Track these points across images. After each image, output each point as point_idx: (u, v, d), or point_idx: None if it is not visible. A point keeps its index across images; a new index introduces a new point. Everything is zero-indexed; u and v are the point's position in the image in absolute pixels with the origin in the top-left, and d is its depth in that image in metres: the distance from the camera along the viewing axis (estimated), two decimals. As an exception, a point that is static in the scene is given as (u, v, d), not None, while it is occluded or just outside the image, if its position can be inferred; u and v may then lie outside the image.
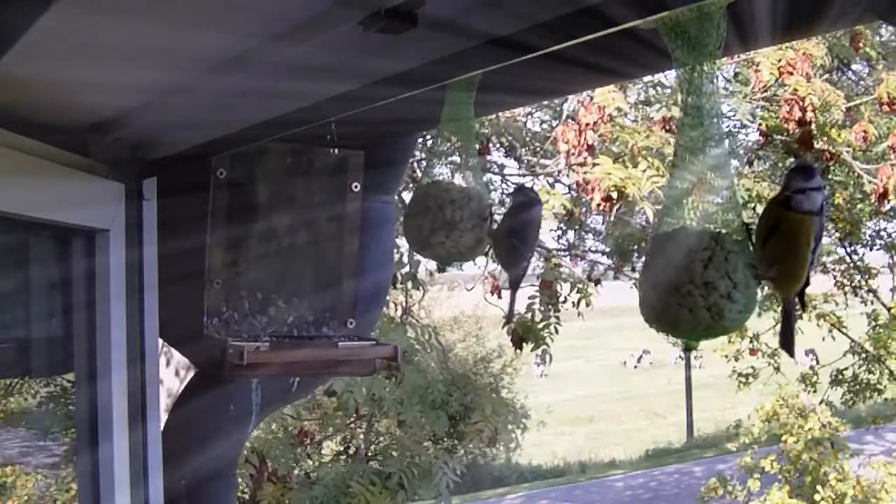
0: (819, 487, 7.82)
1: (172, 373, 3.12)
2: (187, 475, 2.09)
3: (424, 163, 5.88)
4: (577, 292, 5.48)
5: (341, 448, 6.75)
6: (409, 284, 5.56)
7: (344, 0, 0.96)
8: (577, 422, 20.13)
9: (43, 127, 1.47)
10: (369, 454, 6.31)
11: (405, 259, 5.29)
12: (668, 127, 4.87)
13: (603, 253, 7.24)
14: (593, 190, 4.37)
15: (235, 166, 1.94)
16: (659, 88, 5.63)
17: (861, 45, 5.75)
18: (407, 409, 5.20)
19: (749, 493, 8.47)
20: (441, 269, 1.76)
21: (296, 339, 1.98)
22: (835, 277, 8.09)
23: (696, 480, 12.80)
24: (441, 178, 1.75)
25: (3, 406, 8.77)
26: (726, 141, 1.17)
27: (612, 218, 5.09)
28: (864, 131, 5.43)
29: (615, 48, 1.24)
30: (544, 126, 6.42)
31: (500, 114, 5.44)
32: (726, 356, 8.96)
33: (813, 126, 5.15)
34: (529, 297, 5.15)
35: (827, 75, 5.61)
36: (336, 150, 2.00)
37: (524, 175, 6.30)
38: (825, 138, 5.40)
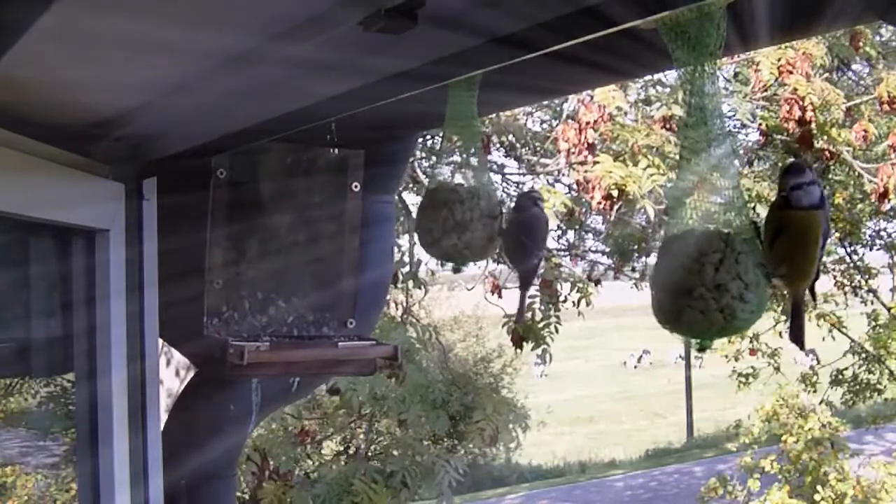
0: (819, 487, 7.83)
1: (172, 373, 3.12)
2: (187, 475, 2.09)
3: (425, 163, 5.88)
4: (578, 292, 5.49)
5: (342, 448, 6.75)
6: (410, 284, 5.57)
7: None
8: (577, 422, 20.13)
9: (43, 127, 1.46)
10: (370, 454, 6.31)
11: (406, 258, 5.29)
12: (668, 125, 4.87)
13: (603, 253, 7.24)
14: (594, 188, 4.37)
15: (235, 166, 1.94)
16: (659, 87, 5.63)
17: (861, 44, 5.75)
18: (408, 407, 5.20)
19: (749, 493, 8.47)
20: (457, 270, 1.75)
21: (296, 339, 1.98)
22: (835, 277, 8.08)
23: (696, 480, 12.80)
24: (447, 178, 1.75)
25: (3, 406, 8.77)
26: (729, 141, 1.17)
27: (612, 217, 5.09)
28: (865, 130, 5.43)
29: (616, 48, 1.24)
30: (544, 126, 6.42)
31: (501, 113, 5.44)
32: (726, 356, 8.98)
33: (813, 125, 5.15)
34: (530, 297, 5.15)
35: (827, 75, 5.60)
36: (336, 150, 2.00)
37: (524, 174, 6.31)
38: (825, 138, 5.40)
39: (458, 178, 1.73)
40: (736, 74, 5.54)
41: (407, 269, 5.43)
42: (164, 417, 1.99)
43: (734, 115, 5.38)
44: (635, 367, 26.08)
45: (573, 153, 4.61)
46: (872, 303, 8.40)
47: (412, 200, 5.76)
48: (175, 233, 1.88)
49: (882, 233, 8.32)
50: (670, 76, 5.14)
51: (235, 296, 1.95)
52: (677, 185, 1.18)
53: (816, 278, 1.18)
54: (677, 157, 1.18)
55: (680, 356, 21.04)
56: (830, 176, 6.33)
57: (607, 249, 7.12)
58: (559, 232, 6.84)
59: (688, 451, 17.54)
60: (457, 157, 1.80)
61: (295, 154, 1.98)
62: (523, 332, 5.09)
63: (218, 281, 1.93)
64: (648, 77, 5.40)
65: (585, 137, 4.55)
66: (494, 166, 6.36)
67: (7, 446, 9.23)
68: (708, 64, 1.11)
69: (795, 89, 4.91)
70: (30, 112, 1.42)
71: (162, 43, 1.10)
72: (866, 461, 8.38)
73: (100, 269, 1.72)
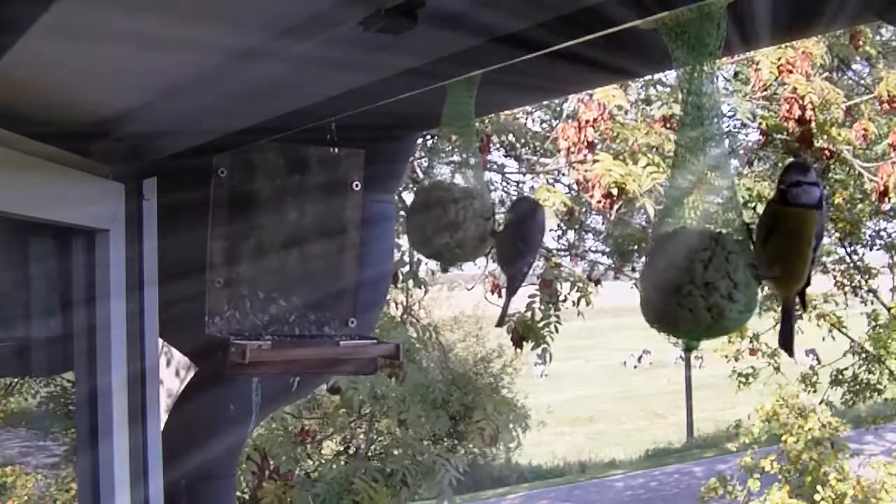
0: (819, 487, 7.83)
1: (172, 373, 3.12)
2: (187, 475, 2.09)
3: (425, 162, 5.88)
4: (578, 292, 5.49)
5: (342, 447, 6.75)
6: (410, 283, 5.57)
7: (344, -1, 0.96)
8: (577, 422, 20.14)
9: (42, 126, 1.46)
10: (370, 453, 6.32)
11: (406, 258, 5.29)
12: (668, 124, 4.87)
13: (603, 253, 7.25)
14: (594, 187, 4.37)
15: (235, 165, 1.94)
16: (659, 87, 5.63)
17: (861, 43, 5.75)
18: (408, 407, 5.20)
19: (749, 493, 8.48)
20: (444, 270, 1.75)
21: (297, 338, 1.98)
22: (835, 277, 8.09)
23: (696, 480, 12.81)
24: (443, 177, 1.75)
25: (3, 406, 8.78)
26: (726, 141, 1.17)
27: (612, 217, 5.09)
28: (865, 130, 5.43)
29: (616, 47, 1.24)
30: (544, 125, 6.42)
31: (500, 113, 5.44)
32: (726, 356, 8.98)
33: (813, 125, 5.15)
34: (529, 297, 5.16)
35: (827, 74, 5.60)
36: (336, 150, 2.00)
37: (524, 174, 6.31)
38: (825, 137, 5.40)
39: (454, 178, 1.73)
40: (736, 74, 5.54)
41: (407, 268, 5.43)
42: (164, 417, 1.99)
43: (734, 115, 5.38)
44: (635, 367, 26.08)
45: (573, 151, 4.62)
46: (872, 303, 8.40)
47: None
48: (175, 232, 1.88)
49: (882, 233, 8.33)
50: (670, 76, 5.14)
51: (236, 295, 1.95)
52: (672, 184, 1.18)
53: (807, 284, 1.17)
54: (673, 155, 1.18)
55: (680, 356, 21.04)
56: (830, 175, 6.34)
57: (607, 249, 7.13)
58: (559, 232, 6.85)
59: (688, 451, 17.55)
60: (454, 157, 1.80)
61: (295, 153, 1.98)
62: (523, 331, 5.09)
63: (219, 280, 1.93)
64: (649, 76, 5.40)
65: (585, 136, 4.55)
66: (494, 166, 6.36)
67: (7, 446, 9.23)
68: (707, 64, 1.11)
69: (795, 88, 4.91)
70: (29, 111, 1.42)
71: (162, 42, 1.10)
72: (866, 461, 8.38)
73: (100, 269, 1.72)
